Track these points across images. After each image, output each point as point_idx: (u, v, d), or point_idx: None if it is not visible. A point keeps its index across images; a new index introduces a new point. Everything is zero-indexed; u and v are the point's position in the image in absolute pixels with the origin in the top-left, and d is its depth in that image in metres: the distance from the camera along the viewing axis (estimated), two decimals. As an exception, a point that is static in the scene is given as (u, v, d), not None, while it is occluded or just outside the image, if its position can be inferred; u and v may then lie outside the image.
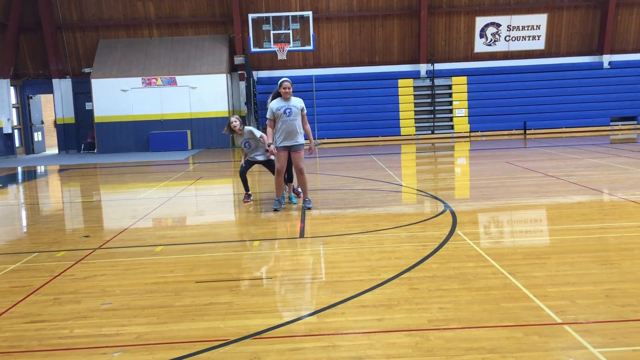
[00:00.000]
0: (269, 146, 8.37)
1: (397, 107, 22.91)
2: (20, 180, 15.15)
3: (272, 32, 20.35)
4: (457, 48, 23.79)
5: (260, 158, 9.19)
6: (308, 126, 8.45)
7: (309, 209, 8.43)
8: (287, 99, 8.24)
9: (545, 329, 3.81)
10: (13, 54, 22.70)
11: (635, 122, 22.61)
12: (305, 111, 8.36)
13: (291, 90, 8.24)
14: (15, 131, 23.15)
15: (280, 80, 8.25)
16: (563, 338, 3.67)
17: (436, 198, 9.08)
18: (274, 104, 8.26)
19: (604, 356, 3.39)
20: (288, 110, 8.21)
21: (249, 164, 9.31)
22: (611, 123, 22.53)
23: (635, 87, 22.91)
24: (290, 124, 8.20)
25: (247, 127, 9.14)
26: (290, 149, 8.35)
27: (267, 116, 8.39)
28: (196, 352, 3.68)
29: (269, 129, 8.39)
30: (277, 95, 8.39)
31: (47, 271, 5.74)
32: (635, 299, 4.31)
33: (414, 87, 23.09)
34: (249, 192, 9.49)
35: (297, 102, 8.27)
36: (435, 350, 3.57)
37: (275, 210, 8.46)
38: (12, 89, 23.06)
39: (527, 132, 22.40)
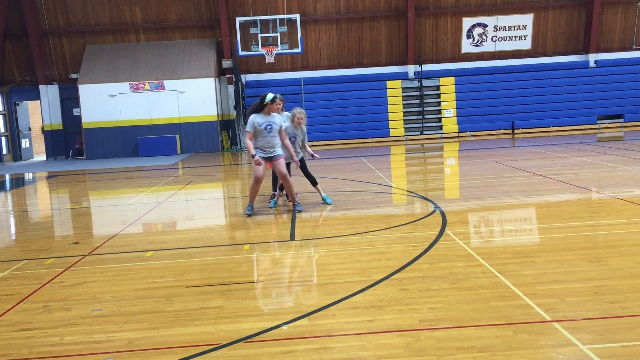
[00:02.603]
0: (252, 157, 8.30)
1: (386, 109, 22.97)
2: (8, 188, 15.04)
3: (259, 35, 20.38)
4: (444, 49, 23.89)
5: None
6: (287, 141, 8.48)
7: (299, 211, 8.44)
8: (271, 114, 8.26)
9: (534, 327, 3.84)
10: (-1, 61, 22.57)
11: (621, 120, 22.79)
12: (284, 127, 8.43)
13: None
14: (3, 138, 23.00)
15: (273, 96, 8.21)
16: (553, 335, 3.70)
17: (426, 199, 9.11)
18: (257, 119, 8.23)
19: (593, 353, 3.42)
20: (269, 127, 8.24)
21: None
22: (598, 121, 22.69)
23: (621, 86, 23.11)
24: (269, 140, 8.27)
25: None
26: (270, 160, 8.40)
27: (247, 129, 8.29)
28: (188, 357, 3.67)
29: (248, 141, 8.30)
30: (258, 108, 8.29)
31: (37, 279, 5.71)
32: (623, 295, 4.35)
33: (402, 88, 23.17)
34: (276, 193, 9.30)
35: (278, 120, 8.31)
36: (426, 350, 3.59)
37: (248, 215, 8.41)
38: (-2, 95, 22.94)
39: (515, 131, 22.53)
